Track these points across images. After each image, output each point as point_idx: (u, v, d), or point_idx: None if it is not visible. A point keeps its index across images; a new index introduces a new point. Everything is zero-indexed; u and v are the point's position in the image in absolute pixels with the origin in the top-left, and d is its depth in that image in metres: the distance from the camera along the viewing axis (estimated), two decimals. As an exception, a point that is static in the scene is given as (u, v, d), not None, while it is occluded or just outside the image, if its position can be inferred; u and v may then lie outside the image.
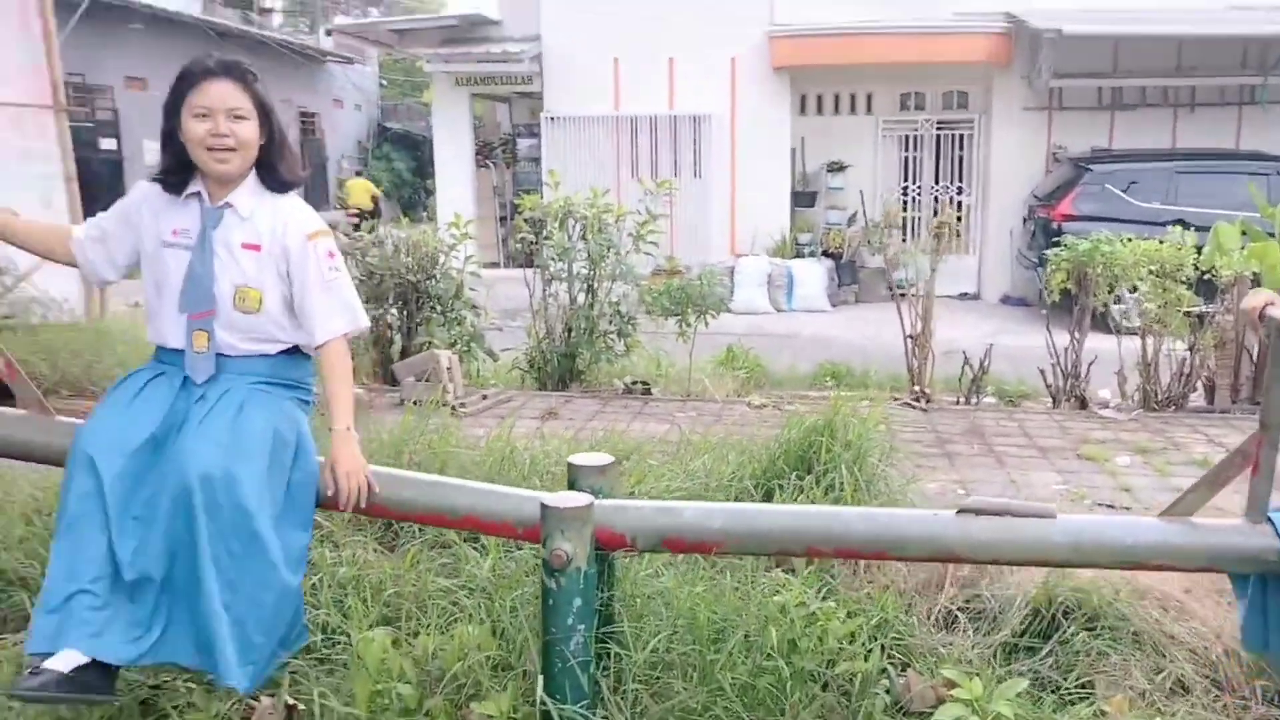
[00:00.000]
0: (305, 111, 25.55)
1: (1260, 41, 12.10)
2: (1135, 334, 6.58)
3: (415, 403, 5.41)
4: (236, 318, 2.43)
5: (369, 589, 3.03)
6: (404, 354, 6.97)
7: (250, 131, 2.41)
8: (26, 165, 6.97)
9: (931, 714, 2.45)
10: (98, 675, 2.23)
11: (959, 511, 2.46)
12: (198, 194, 2.46)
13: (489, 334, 7.57)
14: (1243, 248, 6.28)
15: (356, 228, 11.30)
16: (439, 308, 7.14)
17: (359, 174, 24.75)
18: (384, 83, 31.92)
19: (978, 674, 2.49)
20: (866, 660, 2.56)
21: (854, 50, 12.83)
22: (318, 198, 26.23)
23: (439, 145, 15.10)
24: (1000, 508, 2.46)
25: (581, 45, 13.66)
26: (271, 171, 2.48)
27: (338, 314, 2.49)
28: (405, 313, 7.10)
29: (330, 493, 2.50)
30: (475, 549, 3.25)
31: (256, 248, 2.44)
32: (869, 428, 3.75)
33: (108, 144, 18.40)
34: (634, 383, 7.13)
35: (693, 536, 2.51)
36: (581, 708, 2.38)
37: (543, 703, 2.37)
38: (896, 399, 6.60)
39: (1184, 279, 6.42)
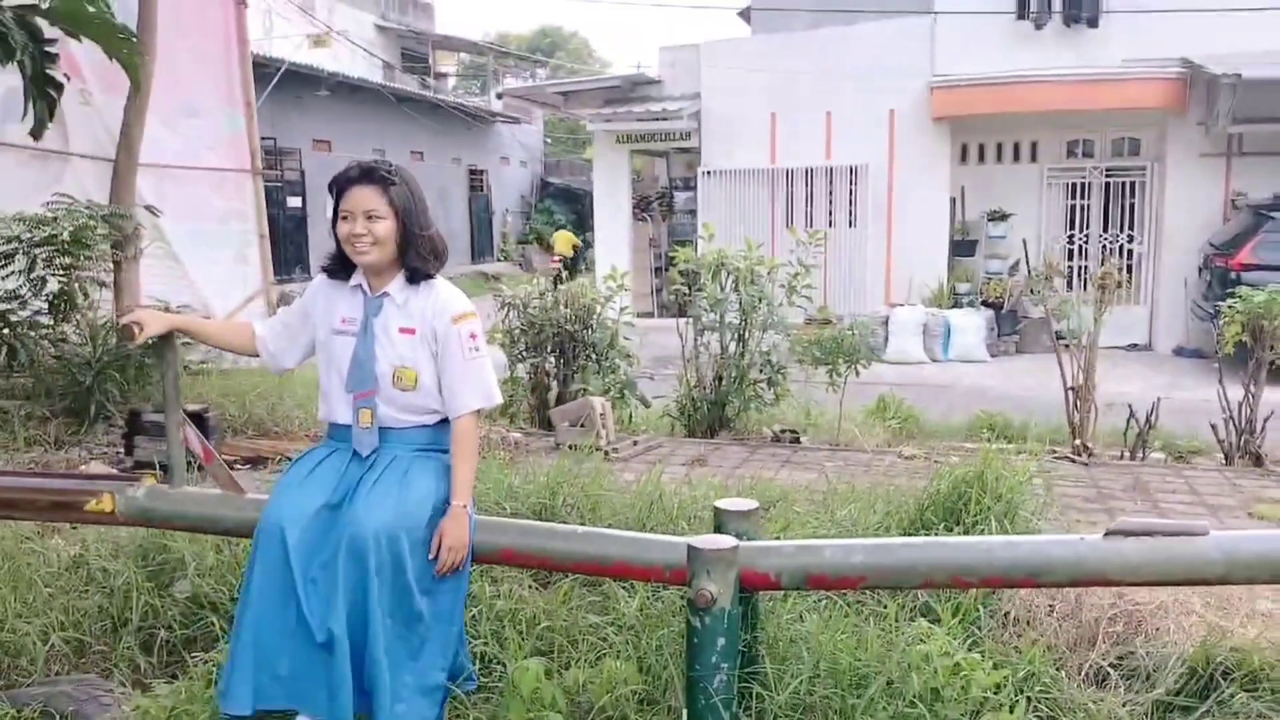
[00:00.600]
0: (474, 169, 26.82)
1: None
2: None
3: (570, 447, 5.65)
4: (396, 395, 2.70)
5: (524, 623, 3.20)
6: (560, 400, 7.23)
7: (385, 229, 2.66)
8: (226, 224, 7.65)
9: (1078, 771, 2.42)
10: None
11: (1107, 534, 2.44)
12: (360, 285, 2.75)
13: (641, 382, 7.76)
14: None
15: (559, 276, 11.82)
16: (594, 356, 7.37)
17: (562, 227, 25.70)
18: (548, 140, 33.19)
19: (1128, 732, 2.44)
20: (1012, 712, 2.55)
21: (1017, 100, 12.66)
22: (484, 248, 27.40)
23: (598, 199, 15.61)
24: (1149, 527, 2.43)
25: (739, 102, 13.94)
26: (406, 263, 2.72)
27: (473, 391, 2.72)
28: (562, 361, 7.37)
29: (431, 558, 2.66)
30: (624, 588, 3.38)
31: (412, 331, 2.71)
32: (1021, 481, 3.70)
33: (294, 202, 19.81)
34: (783, 431, 7.17)
35: (835, 573, 2.57)
36: (723, 744, 2.46)
37: (686, 736, 2.46)
38: (1056, 453, 6.41)
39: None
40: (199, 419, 5.54)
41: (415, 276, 2.74)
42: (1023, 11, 12.69)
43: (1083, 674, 2.90)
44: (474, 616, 3.15)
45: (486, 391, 2.76)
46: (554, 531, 2.91)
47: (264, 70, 7.29)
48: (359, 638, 2.54)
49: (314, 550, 2.59)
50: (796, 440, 7.13)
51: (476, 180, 27.02)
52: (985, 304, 13.16)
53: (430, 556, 2.65)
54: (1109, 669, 2.89)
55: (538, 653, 3.06)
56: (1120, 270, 13.21)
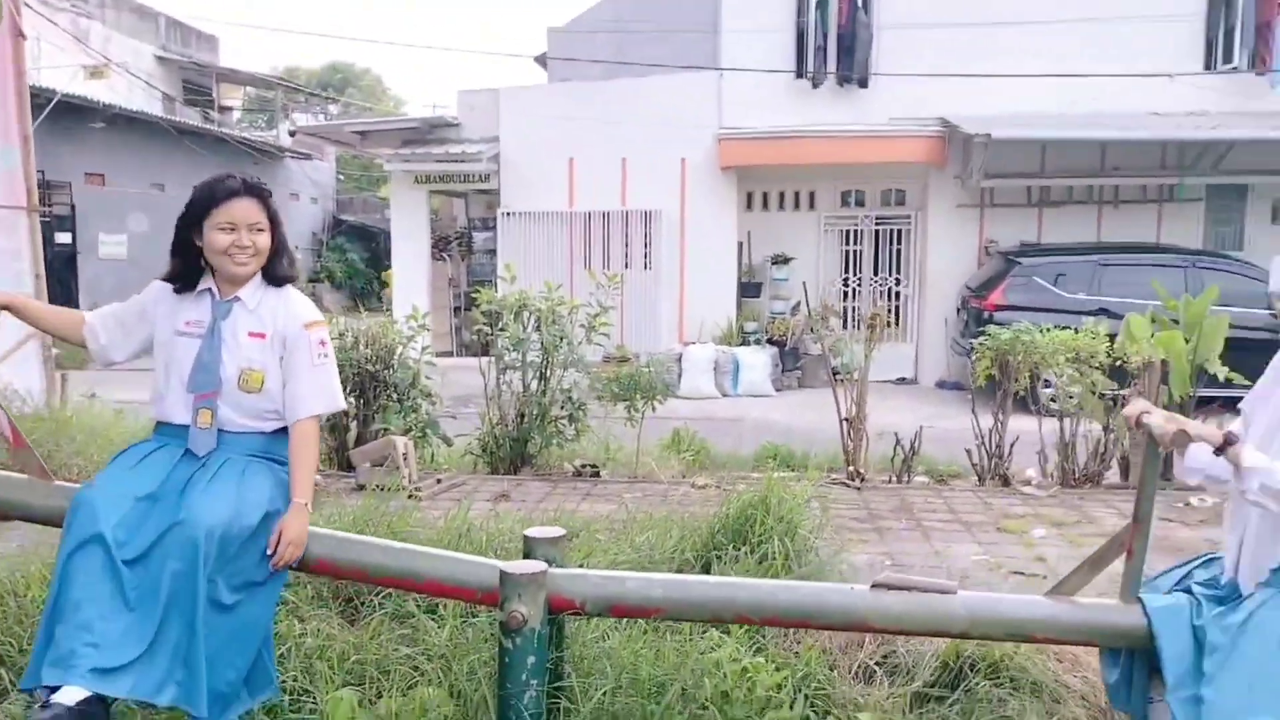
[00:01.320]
0: (262, 205, 25.90)
1: (1177, 144, 12.98)
2: (1057, 416, 7.01)
3: (377, 487, 5.67)
4: (240, 397, 2.75)
5: (334, 658, 3.26)
6: (360, 441, 7.19)
7: (266, 241, 2.80)
8: (-1, 262, 7.20)
9: (849, 756, 2.73)
10: (98, 707, 2.48)
11: (873, 586, 2.78)
12: (209, 289, 2.80)
13: (444, 421, 7.82)
14: (1152, 336, 6.80)
15: None
16: (395, 396, 7.39)
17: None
18: (341, 177, 32.47)
19: (884, 715, 2.78)
20: (791, 709, 2.84)
21: (796, 152, 13.54)
22: (273, 289, 26.43)
23: (396, 239, 15.51)
24: (909, 583, 2.78)
25: (538, 146, 14.25)
26: (274, 270, 2.84)
27: (319, 395, 2.83)
28: (362, 401, 7.34)
29: (270, 552, 2.74)
30: (433, 620, 3.49)
31: (262, 336, 2.79)
32: (799, 504, 4.06)
33: (63, 238, 18.59)
34: (584, 466, 7.40)
35: (636, 603, 2.79)
36: (533, 756, 2.62)
37: (497, 752, 2.62)
38: (833, 479, 6.93)
39: (1098, 365, 6.88)
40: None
41: (278, 283, 2.83)
42: (801, 71, 13.63)
43: (853, 672, 3.24)
44: (283, 655, 3.18)
45: (331, 396, 2.87)
46: (370, 544, 2.99)
47: (34, 101, 6.88)
48: (179, 626, 2.54)
49: (131, 533, 2.57)
50: (597, 474, 7.37)
51: (265, 217, 26.12)
52: (770, 341, 13.90)
53: (269, 550, 2.71)
54: (875, 666, 3.25)
55: (349, 685, 3.14)
56: (889, 310, 14.34)
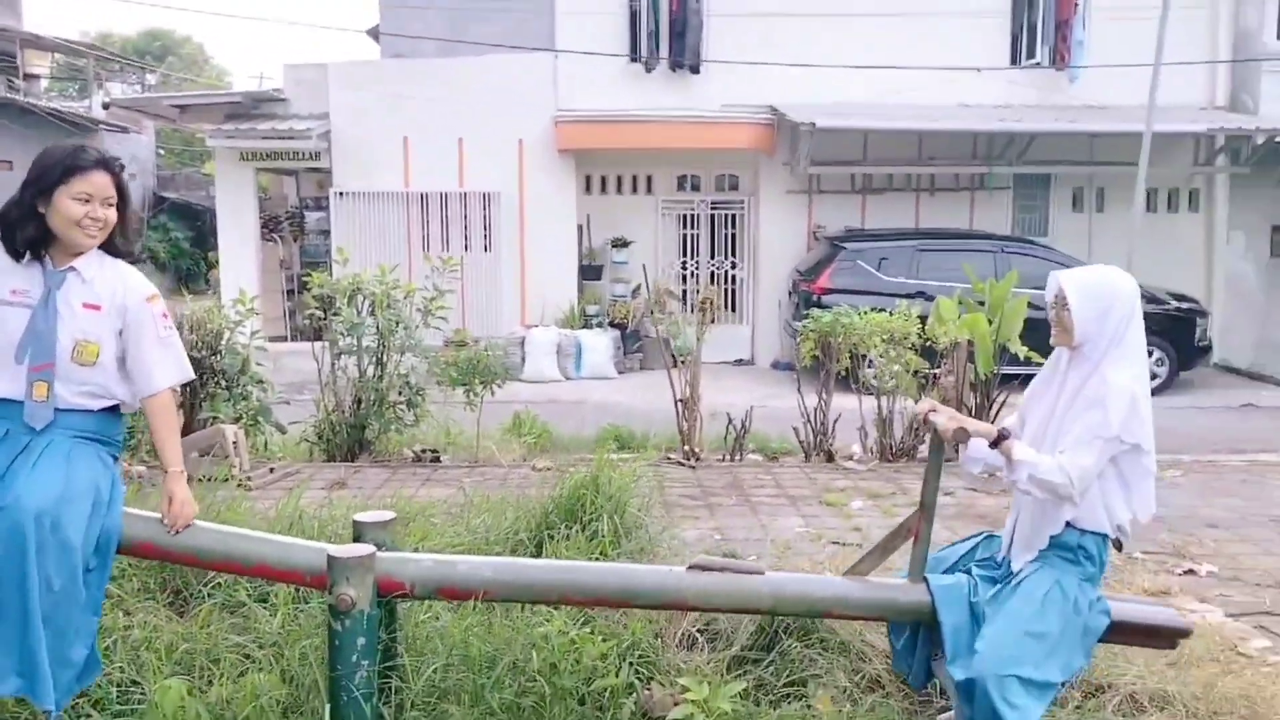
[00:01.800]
0: (75, 181, 24.40)
1: (986, 135, 13.82)
2: (875, 394, 7.44)
3: (202, 479, 5.53)
4: (73, 370, 2.69)
5: (162, 649, 3.22)
6: (187, 430, 6.96)
7: (114, 216, 2.76)
8: None
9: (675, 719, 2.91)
10: None
11: (689, 568, 2.97)
12: (39, 258, 2.71)
13: (277, 408, 7.65)
14: (959, 317, 7.29)
15: None
16: (224, 383, 7.19)
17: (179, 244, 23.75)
18: (161, 152, 30.87)
19: (709, 681, 2.97)
20: (617, 676, 2.99)
21: (631, 136, 13.73)
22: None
23: (222, 219, 14.91)
24: (721, 565, 3.00)
25: (370, 124, 13.95)
26: (116, 245, 2.81)
27: (171, 366, 2.82)
28: (189, 389, 7.11)
29: (165, 521, 2.82)
30: (265, 609, 3.49)
31: (97, 308, 2.73)
32: (627, 483, 4.23)
33: None
34: (423, 451, 7.40)
35: (465, 585, 2.89)
36: (366, 735, 2.69)
37: (330, 731, 2.67)
38: (670, 458, 7.17)
39: (911, 345, 7.33)
40: None
41: (120, 255, 2.81)
42: (635, 55, 13.81)
43: (677, 640, 3.43)
44: (108, 646, 3.13)
45: (182, 367, 2.86)
46: (199, 528, 2.97)
47: None
48: (14, 615, 2.51)
49: None
50: (437, 459, 7.39)
51: (79, 193, 24.62)
52: (612, 324, 14.11)
53: (167, 519, 2.79)
54: (698, 634, 3.44)
55: (178, 675, 3.11)
56: (724, 293, 14.77)
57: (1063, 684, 2.97)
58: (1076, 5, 13.49)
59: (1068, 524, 2.86)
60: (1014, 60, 14.08)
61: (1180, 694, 3.30)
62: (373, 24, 19.69)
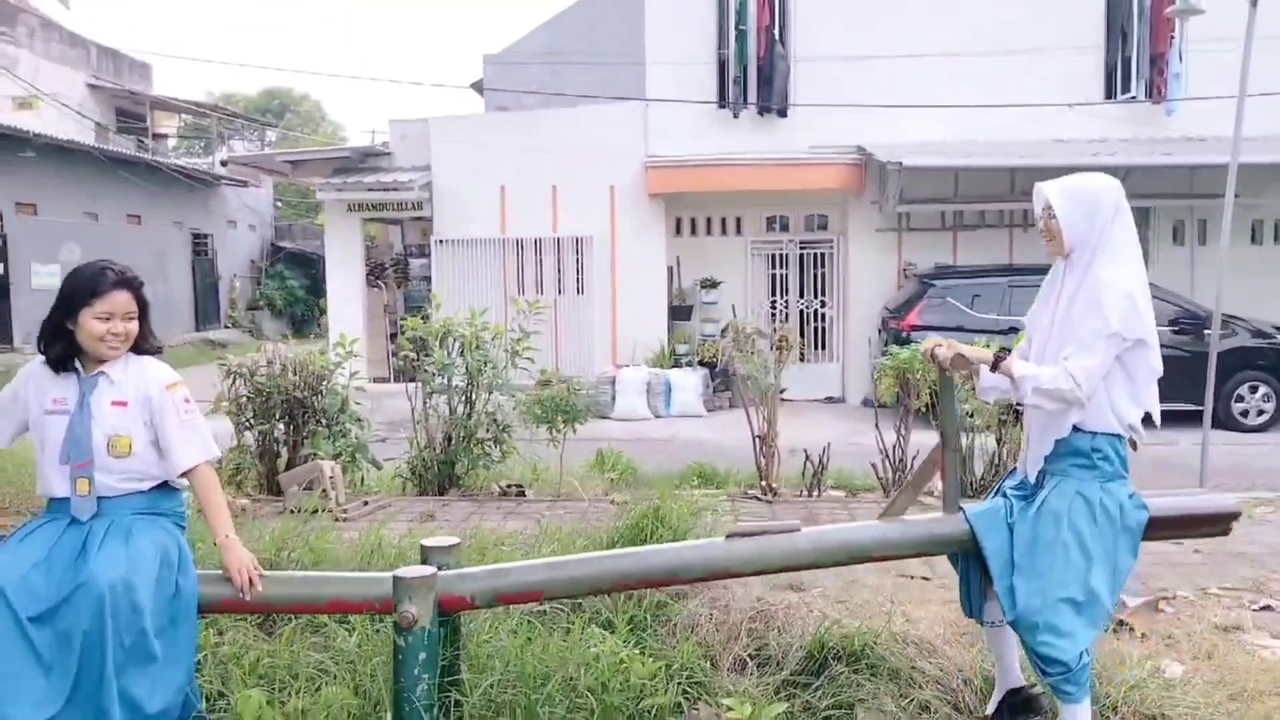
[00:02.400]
0: (198, 232, 25.86)
1: (1079, 170, 13.60)
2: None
3: (304, 510, 5.87)
4: (111, 462, 3.00)
5: (248, 665, 3.50)
6: (290, 466, 7.37)
7: (134, 327, 3.06)
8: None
9: (716, 737, 3.03)
10: None
11: (728, 537, 3.10)
12: (75, 368, 3.05)
13: (375, 445, 8.02)
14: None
15: None
16: (324, 421, 7.58)
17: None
18: (279, 204, 32.42)
19: (753, 702, 3.09)
20: (666, 695, 3.14)
21: (720, 179, 14.00)
22: (210, 314, 26.37)
23: (331, 267, 15.65)
24: (759, 529, 3.12)
25: (469, 174, 14.53)
26: (139, 344, 3.11)
27: (195, 446, 3.08)
28: (291, 427, 7.53)
29: (239, 586, 3.04)
30: (345, 628, 3.74)
31: (124, 404, 3.03)
32: (690, 514, 4.38)
33: (-6, 268, 18.44)
34: (509, 486, 7.66)
35: (520, 589, 3.09)
36: (426, 743, 2.89)
37: (393, 740, 2.88)
38: (747, 493, 7.27)
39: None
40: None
41: (143, 353, 3.09)
42: (723, 101, 14.10)
43: (728, 664, 3.55)
44: (200, 662, 3.41)
45: (206, 446, 3.12)
46: (272, 578, 3.24)
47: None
48: (92, 680, 2.79)
49: (34, 598, 2.83)
50: (522, 494, 7.63)
51: (200, 244, 26.03)
52: (702, 363, 14.29)
53: (237, 584, 3.02)
54: (748, 658, 3.56)
55: (260, 688, 3.37)
56: (814, 332, 14.81)
57: (1115, 598, 2.95)
58: (1172, 38, 13.26)
59: (1076, 428, 2.87)
60: (1109, 94, 13.89)
61: (1236, 727, 3.28)
62: (476, 79, 20.49)
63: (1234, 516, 3.19)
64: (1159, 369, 2.90)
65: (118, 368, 3.06)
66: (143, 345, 3.11)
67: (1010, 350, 2.98)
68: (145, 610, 2.87)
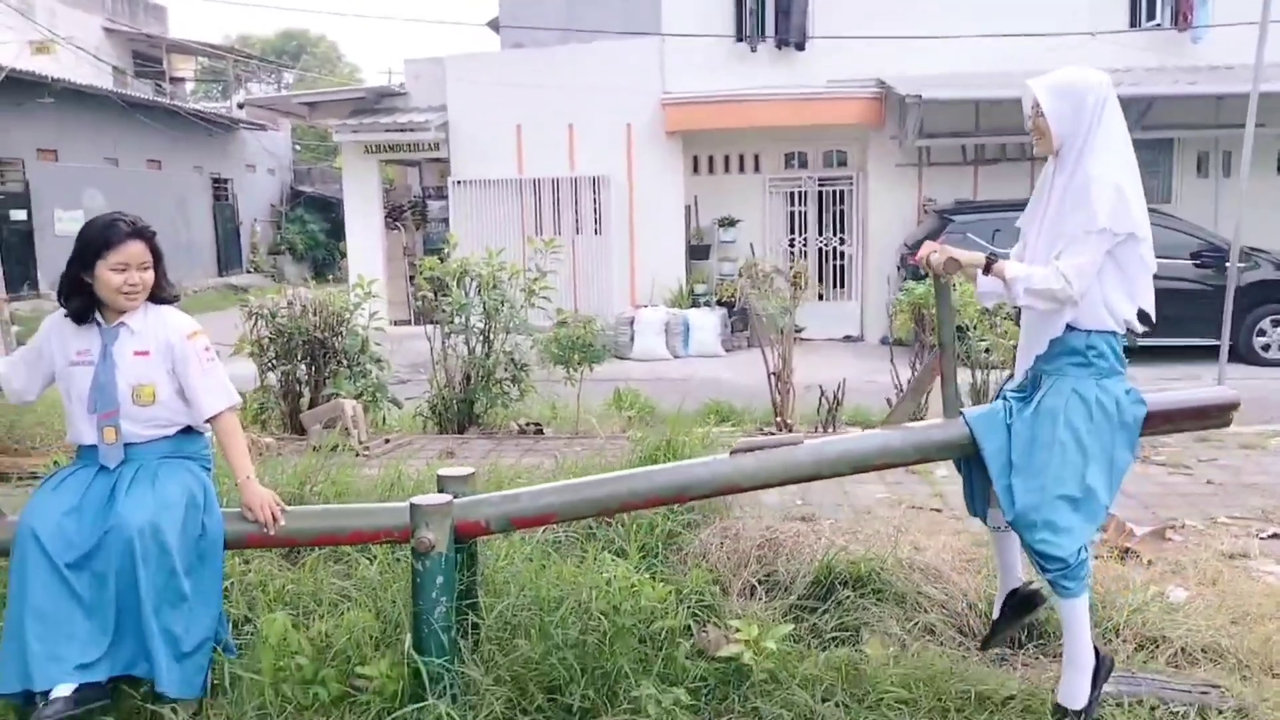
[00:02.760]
0: (218, 177, 25.91)
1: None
2: (972, 365, 7.43)
3: (323, 447, 5.99)
4: (136, 411, 3.09)
5: (273, 592, 3.62)
6: (312, 405, 7.50)
7: (150, 276, 3.11)
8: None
9: (725, 656, 3.13)
10: (92, 689, 2.89)
11: (731, 453, 3.16)
12: (96, 320, 3.12)
13: (396, 386, 8.14)
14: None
15: None
16: (345, 362, 7.69)
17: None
18: (297, 147, 32.38)
19: (761, 624, 3.18)
20: (676, 618, 3.23)
21: (738, 115, 13.87)
22: (233, 259, 26.53)
23: (349, 210, 15.71)
24: (760, 444, 3.18)
25: (485, 114, 14.47)
26: (156, 293, 3.17)
27: (218, 393, 3.17)
28: (313, 368, 7.64)
29: (259, 521, 3.14)
30: (367, 557, 3.86)
31: (146, 353, 3.11)
32: (701, 446, 4.45)
33: (18, 214, 18.59)
34: (528, 424, 7.77)
35: (532, 513, 3.17)
36: (444, 662, 3.00)
37: (412, 659, 2.99)
38: (763, 430, 7.34)
39: (1008, 315, 7.29)
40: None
41: (160, 302, 3.17)
42: (740, 35, 13.92)
43: (738, 589, 3.65)
44: (227, 589, 3.53)
45: (227, 393, 3.21)
46: (294, 513, 3.33)
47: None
48: (132, 618, 2.91)
49: (69, 544, 2.95)
50: (540, 432, 7.74)
51: (221, 189, 26.11)
52: (720, 303, 14.31)
53: (258, 520, 3.11)
54: (757, 584, 3.65)
55: (285, 613, 3.49)
56: (833, 269, 14.78)
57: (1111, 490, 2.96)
58: (1200, -38, 12.97)
59: (1070, 326, 2.88)
60: (1133, 23, 13.61)
61: (1236, 648, 3.34)
62: (492, 17, 20.29)
63: (1233, 406, 3.17)
64: (1152, 264, 2.88)
65: (137, 317, 3.12)
66: (159, 294, 3.17)
67: (997, 255, 2.98)
68: (174, 551, 2.97)
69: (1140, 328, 2.97)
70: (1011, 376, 3.28)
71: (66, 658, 2.86)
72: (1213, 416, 3.20)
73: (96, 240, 3.05)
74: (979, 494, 3.23)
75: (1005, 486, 2.93)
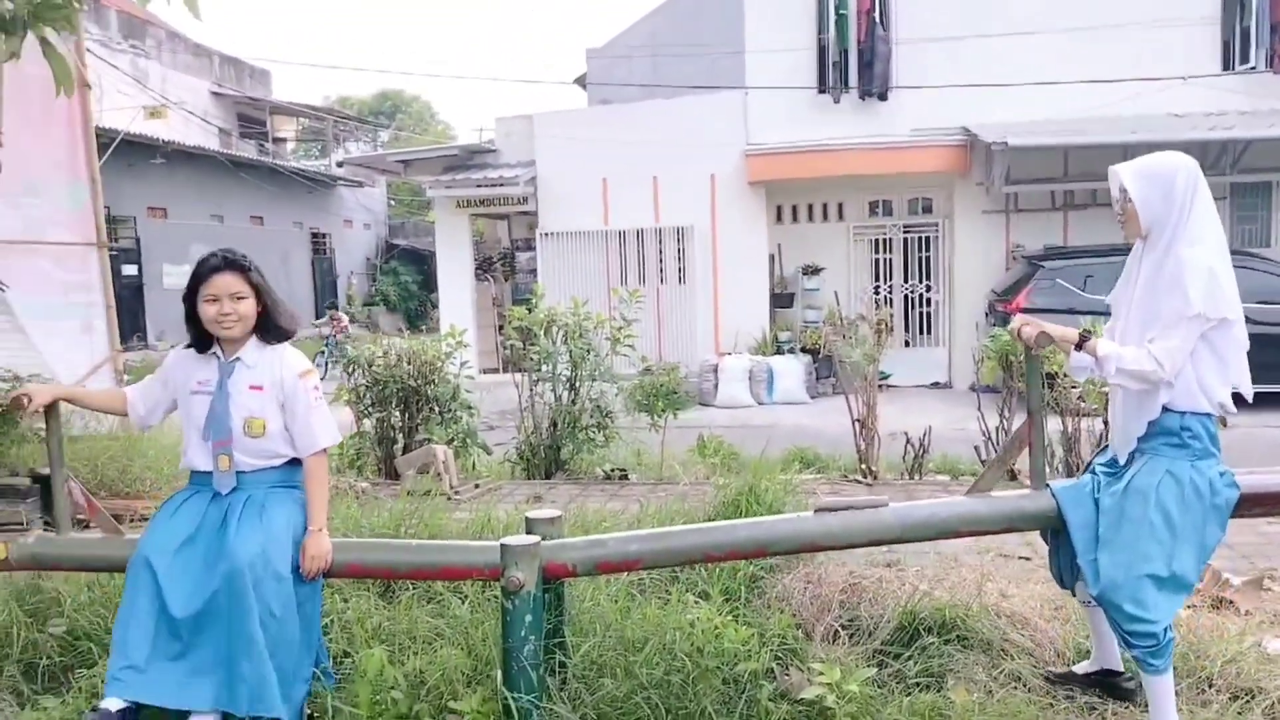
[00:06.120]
0: (317, 232, 26.91)
1: (1199, 145, 13.12)
2: (1062, 413, 7.32)
3: (416, 492, 6.19)
4: (247, 443, 3.28)
5: (371, 628, 3.77)
6: (405, 451, 7.74)
7: (248, 307, 3.27)
8: (69, 296, 7.85)
9: (807, 699, 3.16)
10: (132, 715, 3.05)
11: (816, 511, 3.22)
12: (215, 352, 3.33)
13: (485, 432, 8.35)
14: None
15: None
16: (437, 409, 7.93)
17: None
18: (392, 202, 33.45)
19: (843, 668, 3.21)
20: (759, 660, 3.28)
21: (821, 165, 13.96)
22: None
23: (441, 262, 16.18)
24: (846, 504, 3.22)
25: (572, 168, 14.83)
26: (267, 331, 3.34)
27: (321, 432, 3.34)
28: (406, 414, 7.89)
29: (304, 570, 3.28)
30: (458, 596, 3.99)
31: (260, 389, 3.29)
32: (783, 492, 4.50)
33: (129, 269, 19.58)
34: (613, 470, 7.88)
35: (617, 559, 3.27)
36: (533, 699, 3.10)
37: (502, 695, 3.09)
38: (847, 477, 7.33)
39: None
40: (41, 481, 5.88)
41: (275, 340, 3.34)
42: (823, 87, 14.05)
43: (820, 634, 3.67)
44: (327, 625, 3.70)
45: (330, 432, 3.39)
46: (392, 545, 3.51)
47: (99, 140, 7.47)
48: (243, 647, 3.06)
49: (182, 573, 3.14)
50: (625, 477, 7.84)
51: (319, 243, 27.11)
52: (804, 350, 14.30)
53: (303, 569, 3.24)
54: (840, 629, 3.67)
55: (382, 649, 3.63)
56: (920, 316, 14.67)
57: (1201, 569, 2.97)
58: (1295, 3, 12.70)
59: (1165, 408, 2.89)
60: (1226, 66, 13.36)
61: (1338, 701, 3.25)
62: (580, 74, 20.82)
63: None
64: (1245, 343, 2.90)
65: (252, 353, 3.31)
66: (268, 329, 3.32)
67: (1090, 331, 3.01)
68: (288, 578, 3.16)
69: (1234, 410, 2.98)
70: (1105, 449, 3.29)
71: (163, 681, 3.04)
72: None
73: (194, 275, 3.26)
74: (1066, 566, 3.25)
75: (1091, 561, 2.96)
